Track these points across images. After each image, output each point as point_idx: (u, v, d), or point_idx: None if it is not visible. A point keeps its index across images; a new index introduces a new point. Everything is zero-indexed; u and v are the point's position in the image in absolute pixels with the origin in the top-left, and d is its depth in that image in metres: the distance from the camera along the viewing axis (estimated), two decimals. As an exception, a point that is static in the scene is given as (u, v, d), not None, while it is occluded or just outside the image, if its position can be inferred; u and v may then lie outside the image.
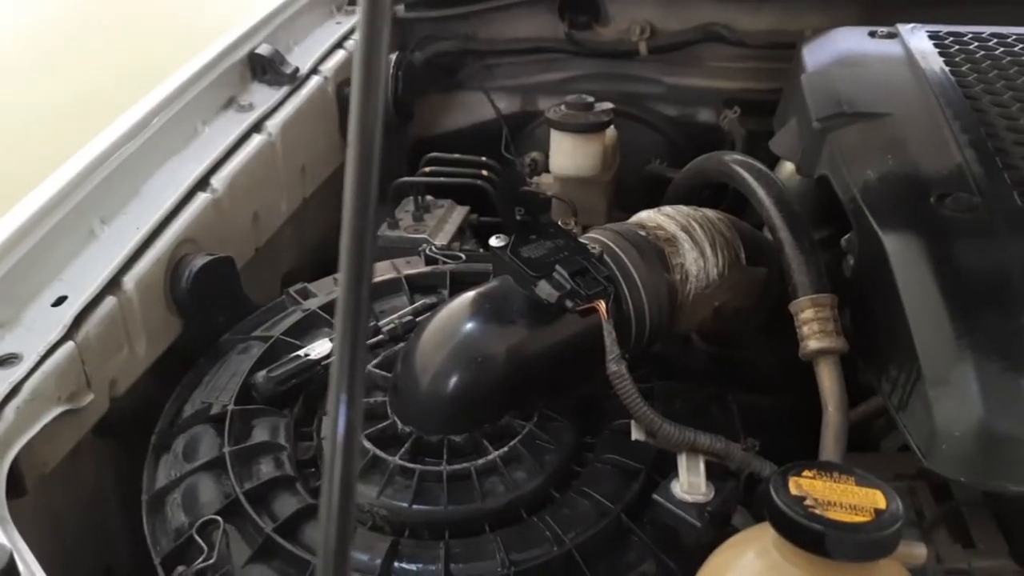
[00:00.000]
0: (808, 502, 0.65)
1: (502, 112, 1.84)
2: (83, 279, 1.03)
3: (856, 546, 0.63)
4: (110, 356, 1.04)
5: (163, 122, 1.25)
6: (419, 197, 1.56)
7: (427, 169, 1.58)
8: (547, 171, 1.69)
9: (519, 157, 1.76)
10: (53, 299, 1.01)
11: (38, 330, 0.96)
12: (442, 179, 1.55)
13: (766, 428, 1.01)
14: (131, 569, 1.11)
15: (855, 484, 0.67)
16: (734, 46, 1.74)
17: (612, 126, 1.64)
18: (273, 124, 1.41)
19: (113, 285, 1.05)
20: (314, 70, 1.57)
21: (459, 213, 1.60)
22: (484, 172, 1.54)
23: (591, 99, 1.58)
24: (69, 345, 0.97)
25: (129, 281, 1.07)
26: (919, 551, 0.67)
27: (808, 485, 0.67)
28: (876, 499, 0.65)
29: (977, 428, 0.79)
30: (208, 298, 1.16)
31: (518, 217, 1.54)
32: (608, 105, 1.60)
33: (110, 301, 1.04)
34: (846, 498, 0.65)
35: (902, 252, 0.95)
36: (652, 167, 1.76)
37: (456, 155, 1.58)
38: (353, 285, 0.48)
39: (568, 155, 1.59)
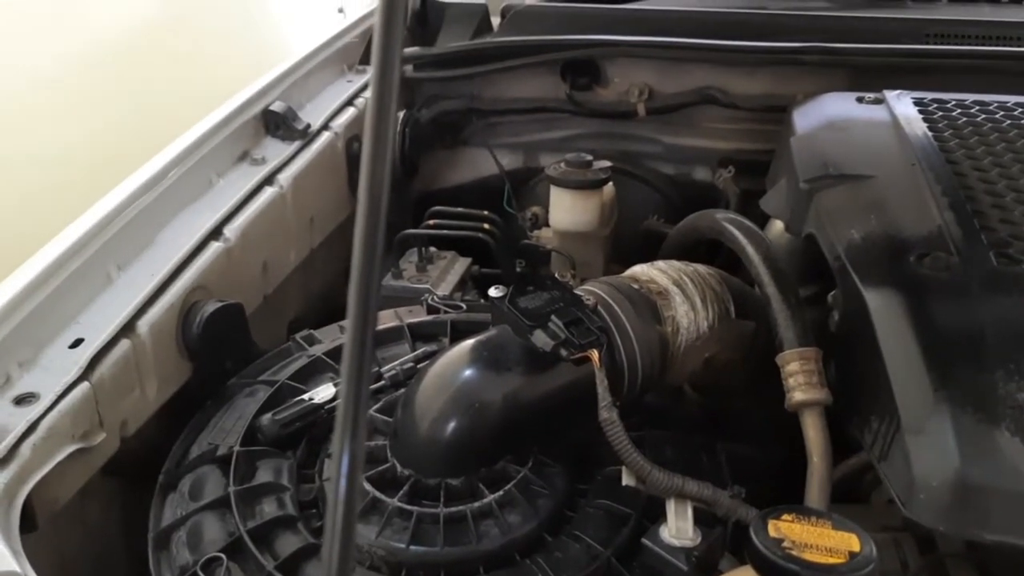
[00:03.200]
0: (786, 544, 0.68)
1: (505, 168, 1.90)
2: (99, 323, 1.08)
3: (830, 586, 0.66)
4: (122, 397, 1.08)
5: (180, 174, 1.31)
6: (423, 249, 1.61)
7: (431, 222, 1.63)
8: (547, 225, 1.74)
9: (520, 212, 1.81)
10: (70, 341, 1.05)
11: (55, 371, 1.00)
12: (445, 232, 1.60)
13: (756, 477, 1.05)
14: None
15: (832, 528, 0.70)
16: (728, 108, 1.80)
17: (610, 183, 1.69)
18: (284, 177, 1.46)
19: (127, 329, 1.10)
20: (325, 126, 1.63)
21: (461, 264, 1.65)
22: (486, 225, 1.59)
23: (590, 157, 1.64)
24: (84, 386, 1.01)
25: (143, 325, 1.11)
26: (891, 593, 0.70)
27: (787, 528, 0.70)
28: (851, 542, 0.69)
29: (953, 478, 0.82)
30: (217, 343, 1.20)
31: (518, 269, 1.60)
32: (606, 163, 1.66)
33: (124, 344, 1.08)
34: (822, 541, 0.69)
35: (883, 308, 0.99)
36: (649, 223, 1.81)
37: (459, 209, 1.63)
38: (359, 332, 0.52)
39: (567, 210, 1.64)
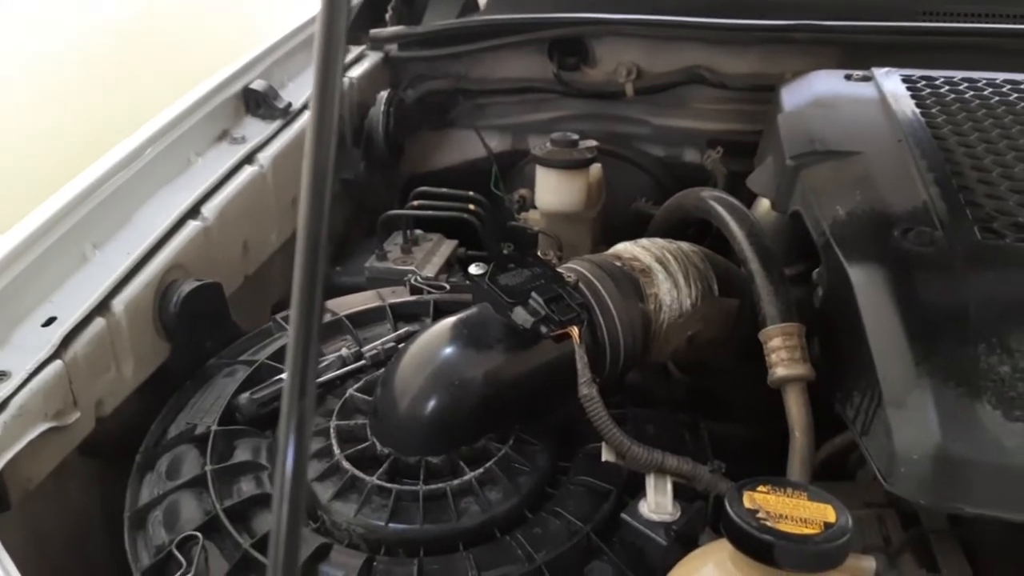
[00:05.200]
0: (761, 515, 0.67)
1: (493, 150, 1.89)
2: (73, 301, 1.06)
3: (804, 556, 0.65)
4: (97, 376, 1.06)
5: (157, 152, 1.29)
6: (408, 231, 1.60)
7: (415, 203, 1.62)
8: (535, 207, 1.72)
9: (508, 194, 1.79)
10: (43, 320, 1.03)
11: (27, 349, 0.99)
12: (428, 212, 1.58)
13: (739, 454, 1.04)
14: None
15: (807, 499, 0.69)
16: (717, 88, 1.79)
17: (598, 164, 1.68)
18: (265, 156, 1.45)
19: (102, 308, 1.08)
20: (306, 105, 1.61)
21: (447, 247, 1.63)
22: (471, 206, 1.57)
23: (576, 136, 1.62)
24: (57, 364, 0.99)
25: (118, 304, 1.10)
26: (867, 564, 0.69)
27: (762, 499, 0.69)
28: (826, 513, 0.68)
29: (934, 451, 0.82)
30: (196, 323, 1.19)
31: (505, 252, 1.58)
32: (592, 142, 1.64)
33: (99, 323, 1.07)
34: (797, 512, 0.68)
35: (866, 283, 0.98)
36: (638, 205, 1.79)
37: (443, 189, 1.61)
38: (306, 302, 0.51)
39: (553, 191, 1.63)
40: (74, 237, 1.12)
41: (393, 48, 1.89)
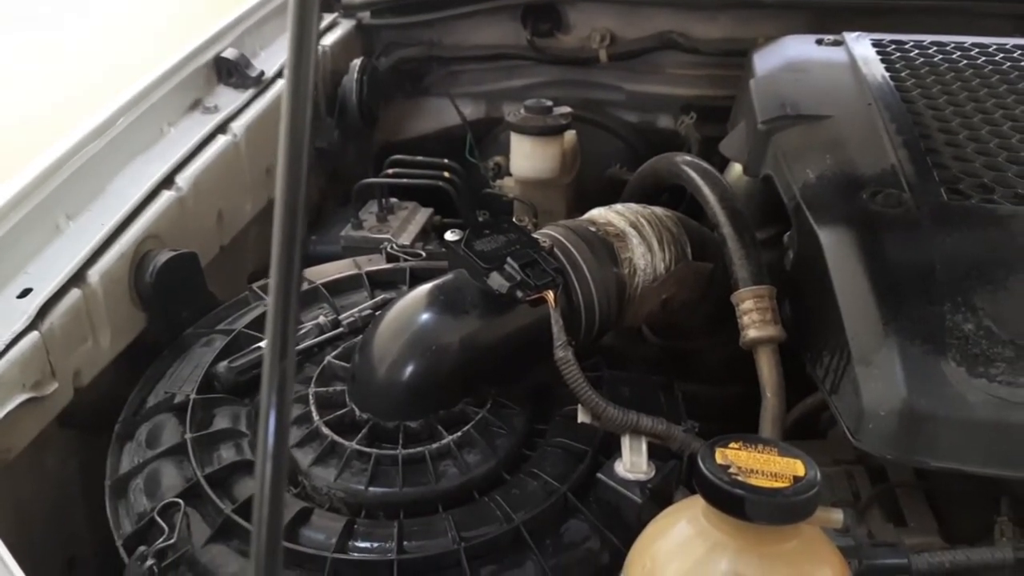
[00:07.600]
0: (732, 470, 0.69)
1: (467, 118, 1.88)
2: (48, 272, 1.06)
3: (774, 509, 0.66)
4: (74, 347, 1.06)
5: (129, 122, 1.28)
6: (383, 199, 1.60)
7: (390, 171, 1.62)
8: (510, 175, 1.73)
9: (483, 161, 1.80)
10: (18, 291, 1.03)
11: (3, 320, 0.99)
12: (403, 180, 1.58)
13: (712, 415, 1.06)
14: (94, 559, 1.13)
15: (778, 454, 0.71)
16: (690, 53, 1.79)
17: (572, 130, 1.68)
18: (238, 125, 1.44)
19: (78, 278, 1.08)
20: (279, 74, 1.59)
21: (423, 215, 1.63)
22: (446, 174, 1.57)
23: (550, 103, 1.62)
24: (34, 335, 0.99)
25: (94, 275, 1.09)
26: (836, 516, 0.71)
27: (733, 455, 0.71)
28: (796, 467, 0.70)
29: (901, 407, 0.84)
30: (172, 293, 1.18)
31: (480, 218, 1.59)
32: (566, 109, 1.65)
33: (75, 294, 1.06)
34: (768, 467, 0.69)
35: (835, 244, 1.00)
36: (612, 171, 1.80)
37: (418, 157, 1.61)
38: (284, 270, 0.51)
39: (527, 157, 1.63)
40: (47, 208, 1.11)
41: (366, 15, 1.87)
